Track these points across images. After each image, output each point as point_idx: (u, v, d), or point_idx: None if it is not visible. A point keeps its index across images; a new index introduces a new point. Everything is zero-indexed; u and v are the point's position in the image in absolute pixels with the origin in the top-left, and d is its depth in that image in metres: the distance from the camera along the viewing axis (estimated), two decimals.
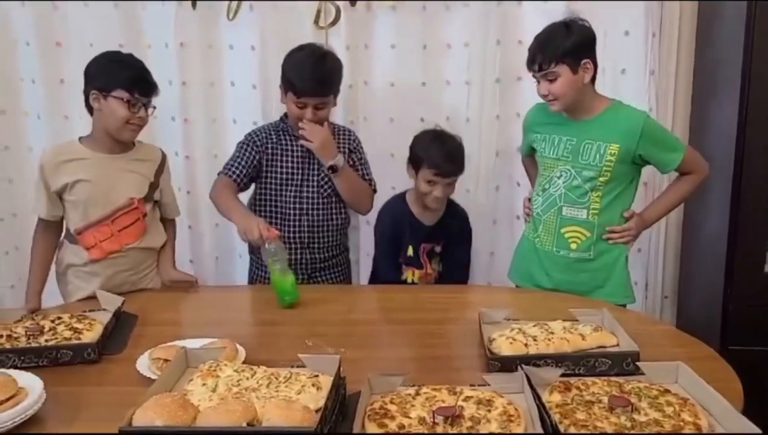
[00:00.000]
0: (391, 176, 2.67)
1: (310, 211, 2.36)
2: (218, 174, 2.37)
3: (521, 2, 2.59)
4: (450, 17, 2.63)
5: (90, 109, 2.12)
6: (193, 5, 2.59)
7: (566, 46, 2.02)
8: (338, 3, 2.60)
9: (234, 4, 2.56)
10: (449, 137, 2.38)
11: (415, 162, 2.36)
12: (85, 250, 2.13)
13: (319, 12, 2.59)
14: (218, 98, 2.77)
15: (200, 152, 2.81)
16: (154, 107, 2.14)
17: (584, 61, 2.05)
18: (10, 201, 2.82)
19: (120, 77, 2.06)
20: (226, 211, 2.24)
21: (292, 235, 2.35)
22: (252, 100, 2.73)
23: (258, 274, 2.46)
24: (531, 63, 2.08)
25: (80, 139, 2.17)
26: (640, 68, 2.55)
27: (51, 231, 2.18)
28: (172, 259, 2.31)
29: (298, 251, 2.37)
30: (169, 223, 2.36)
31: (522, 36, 2.59)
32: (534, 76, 2.11)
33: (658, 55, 2.59)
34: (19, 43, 2.68)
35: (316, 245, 2.39)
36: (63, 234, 2.20)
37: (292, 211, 2.35)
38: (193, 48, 2.69)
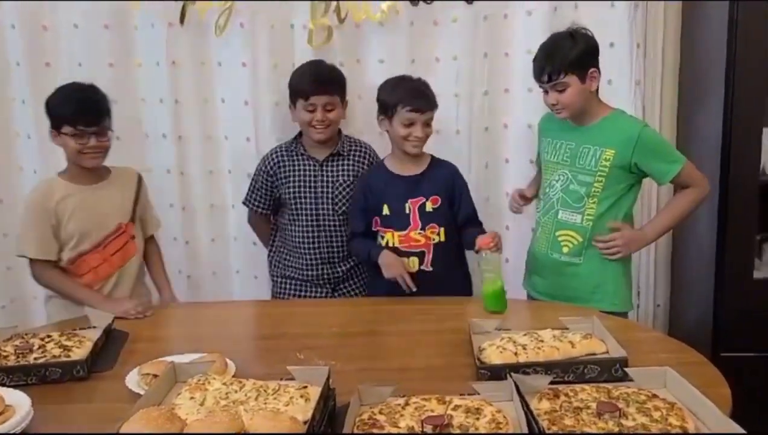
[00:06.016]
0: None
1: (326, 227, 2.42)
2: (243, 203, 2.56)
3: (507, 16, 2.62)
4: (438, 32, 2.65)
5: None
6: (181, 21, 2.60)
7: (573, 56, 2.05)
8: (328, 22, 2.61)
9: (221, 20, 2.58)
10: (411, 78, 2.34)
11: (386, 109, 2.26)
12: (78, 278, 2.14)
13: (311, 31, 2.61)
14: (212, 115, 2.77)
15: (195, 169, 2.79)
16: (111, 130, 2.15)
17: (591, 70, 2.08)
18: (1, 221, 2.81)
19: (63, 113, 2.08)
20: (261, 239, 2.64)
21: (312, 251, 2.43)
22: (244, 117, 2.73)
23: (281, 290, 2.52)
24: (540, 74, 2.09)
25: (59, 174, 2.18)
26: (626, 79, 2.57)
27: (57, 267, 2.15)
28: (167, 281, 2.36)
29: (319, 267, 2.44)
30: (149, 242, 2.36)
31: (508, 49, 2.62)
32: (542, 87, 2.12)
33: (644, 66, 2.61)
34: (10, 63, 2.69)
35: (336, 259, 2.44)
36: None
37: (310, 228, 2.42)
38: (186, 66, 2.70)
